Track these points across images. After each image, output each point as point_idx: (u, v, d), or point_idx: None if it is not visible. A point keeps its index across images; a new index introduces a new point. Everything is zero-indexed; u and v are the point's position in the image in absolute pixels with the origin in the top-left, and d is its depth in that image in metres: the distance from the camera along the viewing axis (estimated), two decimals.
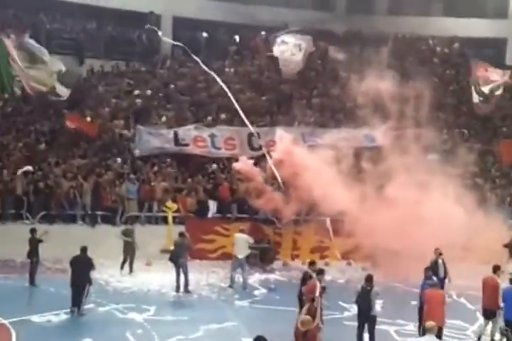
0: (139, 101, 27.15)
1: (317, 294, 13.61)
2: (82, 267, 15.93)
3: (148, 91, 28.12)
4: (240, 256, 19.26)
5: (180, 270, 18.62)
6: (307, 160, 21.20)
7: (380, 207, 20.60)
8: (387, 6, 37.29)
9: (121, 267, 20.31)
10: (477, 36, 35.69)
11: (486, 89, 29.05)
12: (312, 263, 15.71)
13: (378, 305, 14.75)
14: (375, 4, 37.09)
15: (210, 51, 33.32)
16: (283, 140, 22.66)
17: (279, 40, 28.96)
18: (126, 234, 20.37)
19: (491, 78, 29.19)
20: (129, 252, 20.29)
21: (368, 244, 22.30)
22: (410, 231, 20.02)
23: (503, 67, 35.05)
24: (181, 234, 19.26)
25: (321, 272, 14.75)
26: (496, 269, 14.92)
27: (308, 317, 11.95)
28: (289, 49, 28.50)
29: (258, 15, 33.78)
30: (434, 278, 15.35)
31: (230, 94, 23.67)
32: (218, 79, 24.30)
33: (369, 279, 14.19)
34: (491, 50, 37.09)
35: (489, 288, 14.69)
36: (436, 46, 35.41)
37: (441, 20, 36.35)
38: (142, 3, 32.69)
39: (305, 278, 14.96)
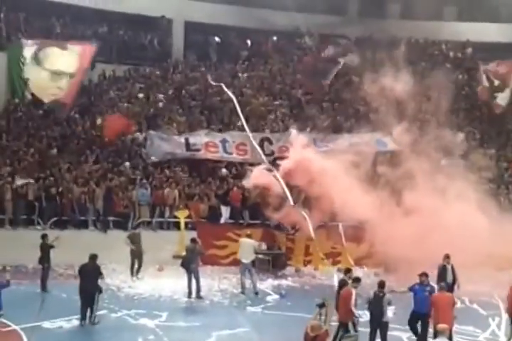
0: (150, 106, 27.12)
1: (352, 302, 13.60)
2: (90, 275, 15.75)
3: (160, 96, 28.08)
4: (245, 261, 19.18)
5: (192, 276, 18.54)
6: (321, 165, 21.05)
7: (396, 212, 20.49)
8: (399, 10, 37.16)
9: (131, 273, 20.28)
10: (490, 41, 35.50)
11: (497, 82, 29.12)
12: (348, 271, 15.50)
13: (390, 312, 14.64)
14: (387, 8, 36.97)
15: (222, 55, 33.37)
16: (296, 144, 22.51)
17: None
18: (133, 238, 20.33)
19: (500, 72, 29.25)
20: (136, 257, 20.27)
21: (382, 250, 22.29)
22: (426, 237, 19.92)
23: None
24: (193, 240, 19.18)
25: (356, 280, 14.38)
26: None
27: (317, 322, 11.93)
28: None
29: (270, 19, 33.75)
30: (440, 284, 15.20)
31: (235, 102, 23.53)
32: (226, 90, 24.28)
33: (381, 285, 14.13)
34: (504, 55, 36.81)
35: None
36: (449, 51, 35.24)
37: (454, 25, 36.19)
38: (154, 8, 32.70)
39: (342, 286, 14.78)
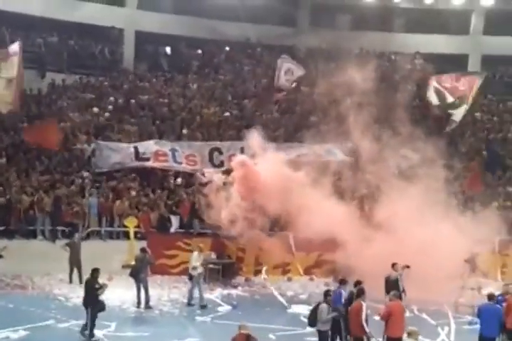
0: (100, 115, 26.95)
1: (363, 317, 13.35)
2: (86, 290, 15.71)
3: (110, 106, 27.94)
4: (193, 273, 18.97)
5: (141, 285, 18.44)
6: (270, 174, 21.17)
7: (345, 221, 20.69)
8: (350, 21, 37.68)
9: (70, 279, 20.30)
10: (439, 52, 36.21)
11: (450, 99, 29.40)
12: (359, 283, 14.98)
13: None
14: (338, 20, 37.46)
15: (173, 65, 33.40)
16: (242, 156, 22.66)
17: (285, 67, 29.04)
18: (71, 246, 20.33)
19: (460, 88, 29.54)
20: (74, 264, 20.27)
21: (332, 259, 22.48)
22: (376, 245, 20.16)
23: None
24: (142, 250, 19.08)
25: (362, 292, 13.96)
26: None
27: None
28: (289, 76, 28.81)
29: (221, 29, 33.89)
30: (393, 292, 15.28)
31: None
32: None
33: (326, 295, 14.11)
34: (452, 66, 37.59)
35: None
36: (398, 62, 35.77)
37: (403, 37, 36.80)
38: (104, 18, 32.63)
39: (351, 299, 14.47)
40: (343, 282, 15.23)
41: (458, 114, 29.92)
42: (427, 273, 18.57)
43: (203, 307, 18.61)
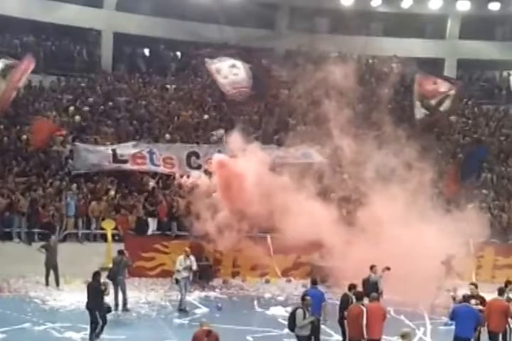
0: (78, 117, 26.83)
1: (364, 321, 13.19)
2: (90, 293, 15.47)
3: (88, 107, 27.83)
4: (178, 277, 18.84)
5: (119, 288, 18.37)
6: (246, 176, 21.19)
7: (323, 223, 20.78)
8: (328, 25, 37.84)
9: (46, 282, 20.20)
10: (416, 56, 36.48)
11: (433, 101, 29.65)
12: (353, 287, 15.09)
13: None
14: (316, 23, 37.60)
15: (152, 67, 33.34)
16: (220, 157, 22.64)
17: (213, 69, 28.71)
18: (48, 248, 20.23)
19: (439, 90, 29.82)
20: (51, 267, 20.17)
21: (308, 260, 22.59)
22: (354, 247, 20.28)
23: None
24: (120, 252, 19.02)
25: (361, 296, 13.94)
26: (502, 291, 14.72)
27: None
28: (227, 73, 28.48)
29: (200, 32, 33.88)
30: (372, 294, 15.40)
31: None
32: None
33: (302, 298, 14.10)
34: (428, 70, 37.89)
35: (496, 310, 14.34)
36: (375, 65, 36.03)
37: (381, 40, 37.01)
38: (82, 19, 32.43)
39: (343, 301, 14.65)
40: (314, 282, 15.54)
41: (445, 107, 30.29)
42: (403, 274, 18.70)
43: (182, 310, 18.55)
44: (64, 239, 21.99)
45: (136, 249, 21.55)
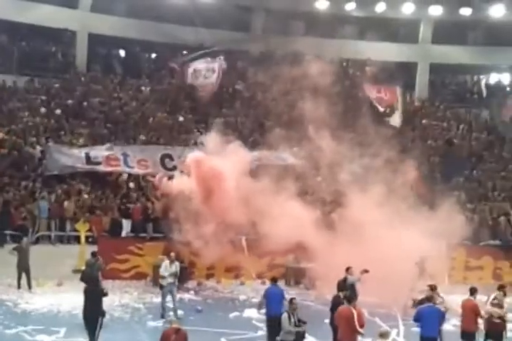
0: (51, 118, 26.66)
1: (356, 322, 12.94)
2: (92, 298, 15.09)
3: (62, 108, 27.65)
4: (163, 283, 18.52)
5: None
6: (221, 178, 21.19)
7: (298, 225, 20.85)
8: (303, 28, 37.98)
9: (18, 285, 20.04)
10: (389, 60, 36.77)
11: (381, 109, 30.01)
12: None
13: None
14: (291, 26, 37.72)
15: (127, 69, 33.21)
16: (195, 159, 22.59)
17: (190, 69, 28.82)
18: (19, 251, 20.07)
19: (384, 98, 30.17)
20: (23, 270, 20.02)
21: (282, 262, 22.66)
22: (329, 248, 20.39)
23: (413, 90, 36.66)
24: (93, 254, 18.91)
25: (351, 298, 13.83)
26: (473, 291, 14.89)
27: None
28: (202, 74, 28.63)
29: (175, 33, 33.83)
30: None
31: None
32: None
33: (289, 302, 14.15)
34: (402, 74, 38.24)
35: (467, 310, 14.58)
36: (349, 68, 36.26)
37: (355, 44, 37.22)
38: (57, 19, 32.19)
39: (335, 304, 14.59)
40: (274, 280, 15.82)
41: (395, 120, 30.62)
42: (378, 276, 18.84)
43: (163, 316, 18.03)
44: (36, 241, 21.85)
45: (110, 250, 21.49)
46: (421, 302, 14.58)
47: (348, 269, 17.74)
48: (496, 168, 30.77)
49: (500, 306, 14.88)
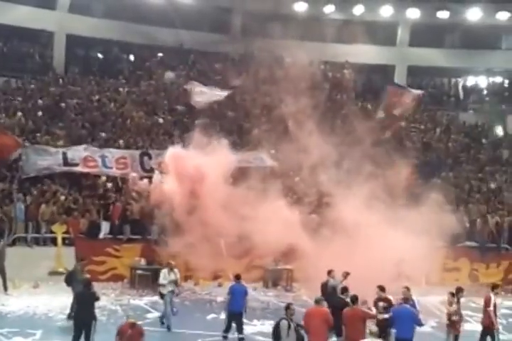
0: (28, 119, 26.46)
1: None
2: (85, 302, 14.98)
3: (38, 110, 27.47)
4: (163, 291, 18.10)
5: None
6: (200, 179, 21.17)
7: (274, 226, 20.86)
8: (281, 30, 38.02)
9: None
10: (367, 62, 36.99)
11: (396, 112, 30.02)
12: (345, 290, 15.50)
13: None
14: (270, 28, 37.75)
15: (105, 70, 33.09)
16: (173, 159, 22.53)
17: (197, 89, 28.80)
18: None
19: (405, 100, 30.18)
20: None
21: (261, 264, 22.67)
22: (309, 250, 20.45)
23: None
24: (80, 259, 18.73)
25: (356, 299, 14.16)
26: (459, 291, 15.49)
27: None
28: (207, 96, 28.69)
29: (154, 35, 33.77)
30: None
31: None
32: None
33: (286, 308, 14.05)
34: (380, 76, 38.51)
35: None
36: (328, 71, 36.39)
37: (333, 46, 37.36)
38: (35, 20, 32.01)
39: (339, 306, 14.72)
40: (238, 277, 16.59)
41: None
42: (357, 277, 18.91)
43: (168, 328, 17.58)
44: (13, 243, 21.63)
45: (87, 252, 21.30)
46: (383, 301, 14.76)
47: (329, 272, 17.81)
48: (473, 170, 31.04)
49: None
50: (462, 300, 15.77)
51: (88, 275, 17.47)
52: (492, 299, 15.52)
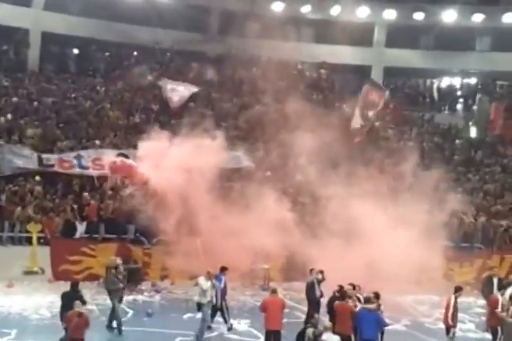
0: (2, 117, 26.19)
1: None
2: (69, 303, 14.63)
3: (12, 108, 27.19)
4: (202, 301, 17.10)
5: None
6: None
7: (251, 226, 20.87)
8: (258, 30, 38.03)
9: None
10: (344, 63, 37.13)
11: (371, 113, 30.02)
12: (341, 287, 15.60)
13: None
14: (247, 28, 37.75)
15: (81, 68, 32.86)
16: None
17: (169, 86, 28.84)
18: None
19: (376, 101, 30.21)
20: None
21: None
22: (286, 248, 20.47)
23: None
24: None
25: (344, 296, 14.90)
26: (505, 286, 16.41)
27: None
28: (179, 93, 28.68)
29: (131, 33, 33.59)
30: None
31: None
32: None
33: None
34: (356, 77, 38.62)
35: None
36: (305, 71, 36.46)
37: (310, 46, 37.45)
38: (10, 17, 31.63)
39: (332, 300, 15.12)
40: (223, 269, 17.58)
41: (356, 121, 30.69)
42: (339, 278, 18.99)
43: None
44: None
45: (62, 252, 21.23)
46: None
47: (311, 270, 17.96)
48: (447, 170, 31.23)
49: None
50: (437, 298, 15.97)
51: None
52: (452, 300, 15.70)
